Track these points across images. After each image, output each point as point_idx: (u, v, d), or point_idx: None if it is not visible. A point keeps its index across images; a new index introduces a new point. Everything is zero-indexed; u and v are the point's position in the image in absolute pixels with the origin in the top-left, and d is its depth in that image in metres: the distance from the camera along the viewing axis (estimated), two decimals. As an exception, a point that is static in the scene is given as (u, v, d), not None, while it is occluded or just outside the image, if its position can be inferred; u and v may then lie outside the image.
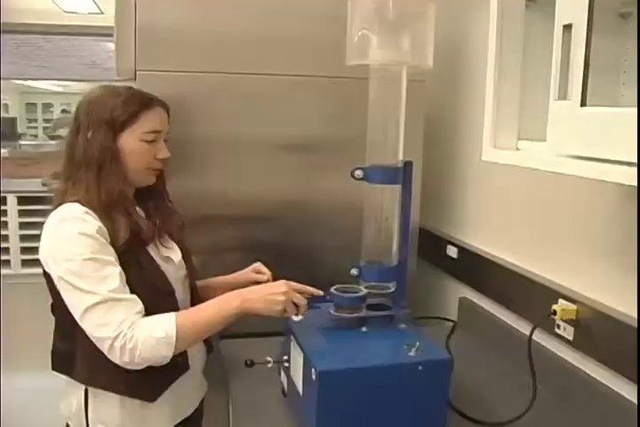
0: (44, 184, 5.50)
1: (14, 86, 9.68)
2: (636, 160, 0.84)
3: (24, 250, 5.46)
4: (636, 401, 1.33)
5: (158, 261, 1.48)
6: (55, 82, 11.11)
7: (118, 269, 1.34)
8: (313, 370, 1.23)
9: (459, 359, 1.37)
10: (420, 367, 1.27)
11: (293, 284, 1.43)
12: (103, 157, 1.40)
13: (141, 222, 1.47)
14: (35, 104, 11.75)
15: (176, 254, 1.56)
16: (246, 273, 1.68)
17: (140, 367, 1.33)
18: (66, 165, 1.44)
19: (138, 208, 1.51)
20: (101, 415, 1.45)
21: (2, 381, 3.27)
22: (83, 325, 1.32)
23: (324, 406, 1.23)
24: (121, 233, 1.38)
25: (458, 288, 2.17)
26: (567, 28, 1.02)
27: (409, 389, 1.27)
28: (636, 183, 0.86)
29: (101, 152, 1.40)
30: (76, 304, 1.32)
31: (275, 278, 1.56)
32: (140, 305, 1.34)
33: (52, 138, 9.05)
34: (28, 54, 8.68)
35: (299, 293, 1.44)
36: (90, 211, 1.35)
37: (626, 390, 1.37)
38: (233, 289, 1.48)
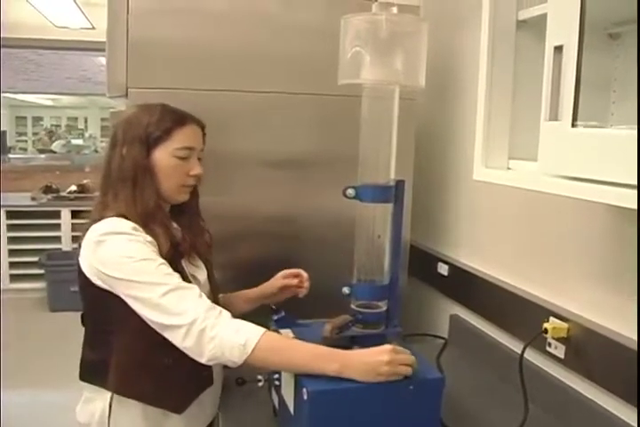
0: (33, 198, 5.51)
1: (4, 100, 9.66)
2: (635, 182, 0.84)
3: (12, 265, 5.45)
4: (625, 418, 1.34)
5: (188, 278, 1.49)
6: (45, 95, 11.11)
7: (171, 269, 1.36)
8: (304, 390, 1.22)
9: (450, 377, 1.36)
10: (411, 387, 1.26)
11: (399, 349, 1.31)
12: (137, 172, 1.43)
13: (177, 235, 1.50)
14: (24, 117, 11.73)
15: (202, 273, 1.58)
16: (275, 281, 1.70)
17: (209, 363, 1.31)
18: (103, 180, 1.47)
19: (174, 223, 1.53)
20: (123, 425, 1.46)
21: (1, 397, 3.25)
22: (155, 316, 1.31)
23: (315, 426, 1.22)
24: (164, 245, 1.41)
25: (449, 306, 2.17)
26: (558, 49, 1.03)
27: (400, 408, 1.27)
28: (635, 206, 0.86)
29: (135, 168, 1.43)
30: (146, 296, 1.31)
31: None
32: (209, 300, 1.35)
33: (41, 151, 9.03)
34: (19, 68, 8.69)
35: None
36: (136, 226, 1.38)
37: (617, 408, 1.37)
38: (253, 303, 1.65)
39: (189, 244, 1.53)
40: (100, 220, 1.39)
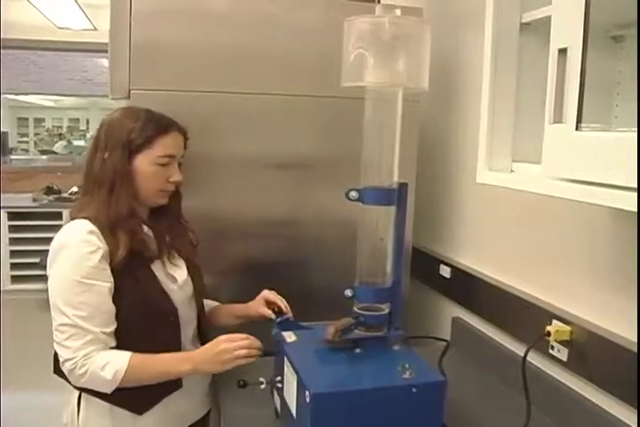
0: (34, 199, 5.51)
1: (5, 101, 9.68)
2: (635, 185, 0.84)
3: (14, 266, 5.44)
4: (629, 422, 1.33)
5: (163, 279, 1.53)
6: (47, 96, 11.12)
7: (99, 298, 1.41)
8: (307, 392, 1.21)
9: (452, 379, 1.36)
10: (414, 390, 1.26)
11: (234, 336, 1.46)
12: (115, 177, 1.46)
13: (148, 241, 1.52)
14: (26, 118, 11.74)
15: (181, 273, 1.60)
16: (256, 306, 1.68)
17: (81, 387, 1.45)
18: (84, 181, 1.51)
19: (146, 227, 1.55)
20: (92, 425, 1.51)
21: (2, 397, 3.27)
22: (54, 335, 1.42)
23: (317, 428, 1.22)
24: (119, 251, 1.43)
25: (451, 308, 2.17)
26: (562, 51, 1.03)
27: (403, 411, 1.26)
28: (635, 209, 0.86)
29: (115, 173, 1.46)
30: (53, 317, 1.42)
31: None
32: (100, 343, 1.41)
33: (42, 153, 9.04)
34: (21, 69, 8.69)
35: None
36: (95, 230, 1.42)
37: (619, 411, 1.37)
38: (240, 319, 1.67)
39: (166, 246, 1.57)
40: (73, 219, 1.46)
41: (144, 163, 1.49)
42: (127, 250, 1.43)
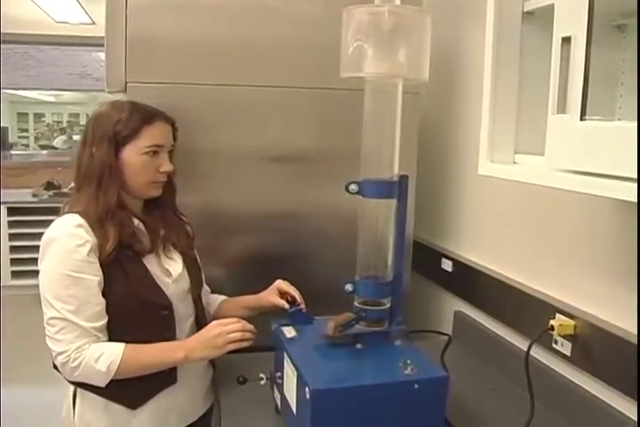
0: (34, 195, 5.50)
1: (5, 96, 9.65)
2: (635, 176, 0.83)
3: (14, 261, 5.44)
4: (634, 418, 1.32)
5: (157, 273, 1.52)
6: (46, 91, 11.10)
7: (88, 292, 1.40)
8: (307, 388, 1.20)
9: (454, 374, 1.34)
10: (415, 386, 1.24)
11: (225, 320, 1.47)
12: (103, 171, 1.46)
13: (139, 234, 1.52)
14: (26, 114, 11.73)
15: (176, 266, 1.59)
16: (269, 296, 1.66)
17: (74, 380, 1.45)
18: (75, 176, 1.52)
19: (137, 220, 1.54)
20: (87, 419, 1.51)
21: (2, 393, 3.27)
22: (46, 329, 1.41)
23: (317, 425, 1.20)
24: (107, 245, 1.42)
25: (453, 302, 2.15)
26: (566, 40, 1.01)
27: (405, 407, 1.25)
28: (635, 199, 0.84)
29: (102, 167, 1.46)
30: (44, 311, 1.41)
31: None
32: (92, 336, 1.40)
33: (42, 148, 9.02)
34: (20, 64, 8.68)
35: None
36: (84, 223, 1.42)
37: (624, 406, 1.36)
38: (251, 311, 1.66)
39: (161, 239, 1.57)
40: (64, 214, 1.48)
41: (131, 154, 1.48)
42: (116, 243, 1.43)
